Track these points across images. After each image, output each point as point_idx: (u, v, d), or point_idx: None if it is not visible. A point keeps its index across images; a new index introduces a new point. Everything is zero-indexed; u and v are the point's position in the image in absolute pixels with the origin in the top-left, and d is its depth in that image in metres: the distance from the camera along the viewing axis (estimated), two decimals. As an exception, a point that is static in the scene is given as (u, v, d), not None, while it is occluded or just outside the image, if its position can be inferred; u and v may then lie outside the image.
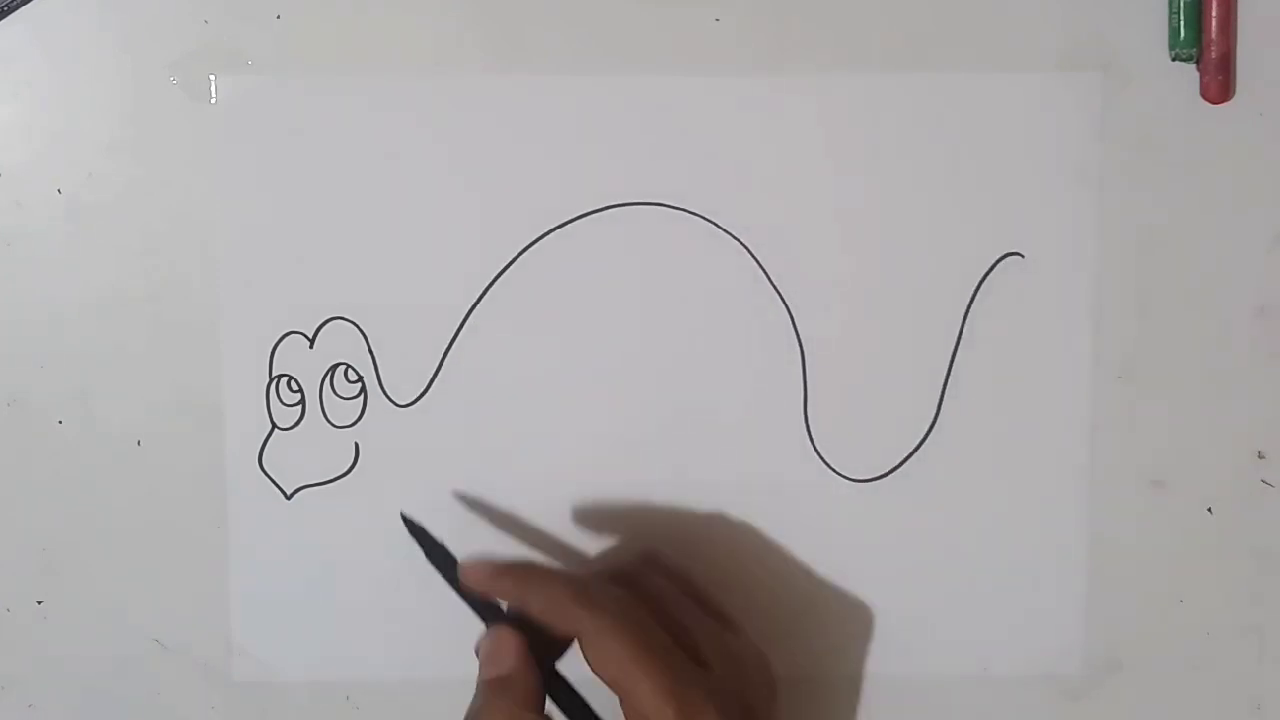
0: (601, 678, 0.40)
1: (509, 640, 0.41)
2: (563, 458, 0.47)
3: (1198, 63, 0.45)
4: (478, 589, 0.42)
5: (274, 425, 0.47)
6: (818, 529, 0.47)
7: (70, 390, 0.47)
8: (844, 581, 0.47)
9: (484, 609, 0.42)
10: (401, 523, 0.44)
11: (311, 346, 0.47)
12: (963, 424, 0.47)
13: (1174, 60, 0.45)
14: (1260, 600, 0.48)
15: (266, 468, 0.47)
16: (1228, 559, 0.47)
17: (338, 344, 0.46)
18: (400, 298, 0.46)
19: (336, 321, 0.46)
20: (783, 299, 0.46)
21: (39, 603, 0.48)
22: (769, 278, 0.46)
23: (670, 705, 0.39)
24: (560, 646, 0.42)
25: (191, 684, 0.48)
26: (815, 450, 0.47)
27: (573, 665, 0.41)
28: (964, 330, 0.46)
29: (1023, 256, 0.46)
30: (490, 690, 0.41)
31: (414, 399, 0.47)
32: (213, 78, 0.45)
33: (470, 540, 0.47)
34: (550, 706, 0.41)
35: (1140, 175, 0.46)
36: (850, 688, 0.48)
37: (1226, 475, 0.47)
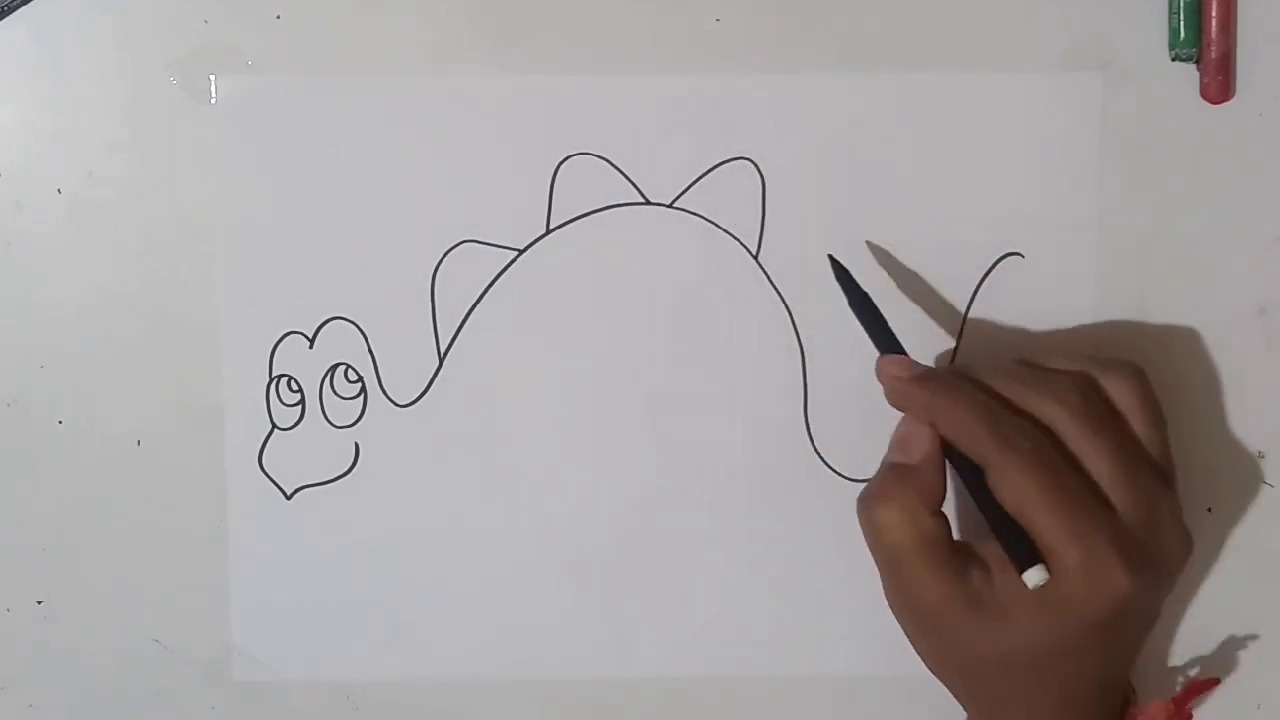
0: (1006, 506, 0.40)
1: (921, 435, 0.41)
2: (562, 457, 0.47)
3: (1198, 63, 0.45)
4: (889, 390, 0.42)
5: (274, 425, 0.47)
6: (818, 529, 0.47)
7: (70, 390, 0.47)
8: (844, 581, 0.47)
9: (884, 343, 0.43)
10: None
11: (311, 346, 0.47)
12: (963, 424, 0.46)
13: (1174, 60, 0.45)
14: (1260, 600, 0.48)
15: (266, 468, 0.47)
16: (1228, 559, 0.47)
17: (338, 344, 0.46)
18: (400, 298, 0.46)
19: (336, 321, 0.46)
20: (783, 299, 0.46)
21: (39, 603, 0.48)
22: (769, 278, 0.46)
23: (1073, 545, 0.39)
24: None
25: (191, 684, 0.48)
26: (815, 450, 0.47)
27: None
28: (964, 330, 0.46)
29: (1023, 256, 0.46)
30: (890, 474, 0.41)
31: (414, 399, 0.47)
32: (213, 78, 0.45)
33: (471, 538, 0.47)
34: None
35: (1140, 175, 0.46)
36: (850, 688, 0.48)
37: (1226, 475, 0.47)
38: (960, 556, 0.41)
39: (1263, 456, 0.47)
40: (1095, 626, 0.40)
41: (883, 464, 0.42)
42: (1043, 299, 0.46)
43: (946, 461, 0.41)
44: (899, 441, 0.42)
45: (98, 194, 0.46)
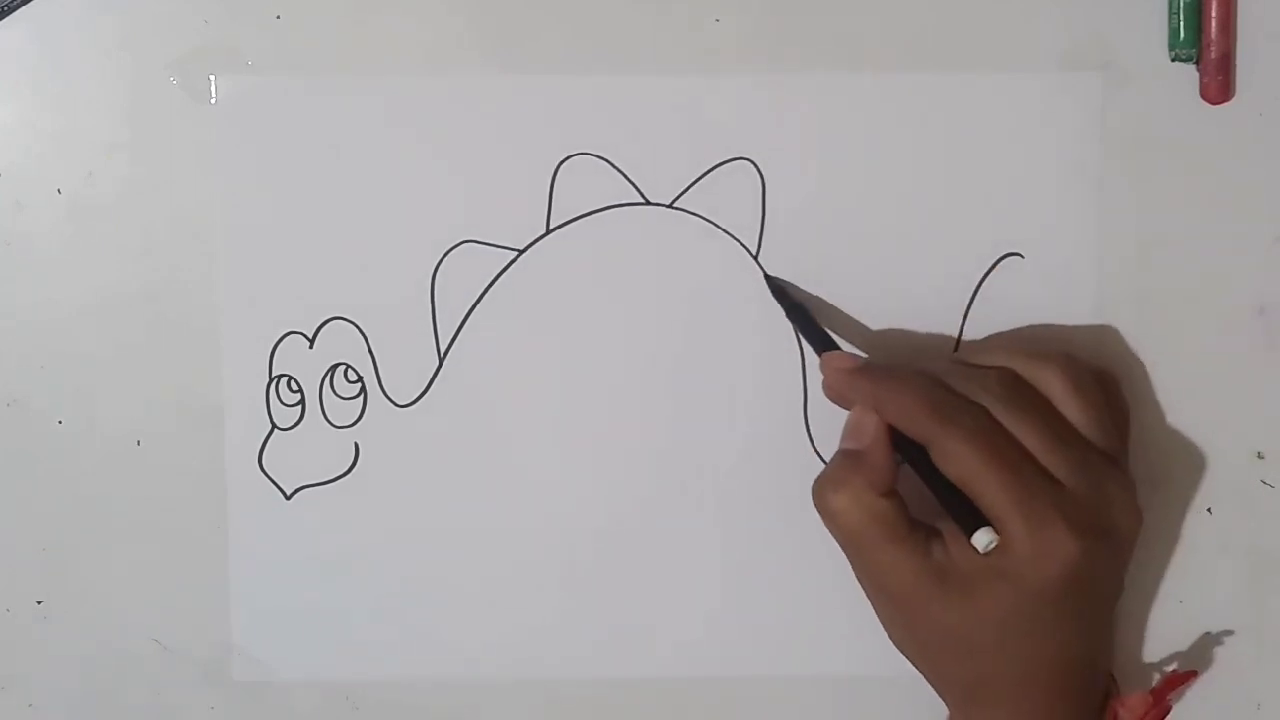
0: (953, 481, 0.41)
1: (869, 420, 0.42)
2: (562, 458, 0.47)
3: (1198, 63, 0.45)
4: (834, 383, 0.43)
5: (274, 425, 0.47)
6: (818, 529, 0.47)
7: (70, 390, 0.47)
8: (844, 581, 0.47)
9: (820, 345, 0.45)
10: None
11: (311, 346, 0.47)
12: (963, 424, 0.47)
13: (1174, 60, 0.45)
14: (1260, 600, 0.48)
15: (266, 468, 0.47)
16: (1228, 559, 0.47)
17: (338, 344, 0.46)
18: (400, 298, 0.46)
19: (336, 321, 0.46)
20: (783, 299, 0.46)
21: (39, 603, 0.48)
22: (769, 278, 0.46)
23: (1017, 513, 0.40)
24: None
25: (191, 684, 0.48)
26: (815, 450, 0.47)
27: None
28: (964, 330, 0.46)
29: (1022, 256, 0.46)
30: (840, 460, 0.42)
31: (414, 399, 0.47)
32: (213, 78, 0.45)
33: (471, 538, 0.47)
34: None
35: (1140, 175, 0.46)
36: (850, 688, 0.48)
37: (1226, 475, 0.47)
38: (919, 532, 0.42)
39: (1262, 457, 0.47)
40: (1050, 595, 0.40)
41: (835, 453, 0.43)
42: (1043, 299, 0.46)
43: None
44: (849, 429, 0.43)
45: (98, 194, 0.46)
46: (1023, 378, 0.43)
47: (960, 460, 0.40)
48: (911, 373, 0.42)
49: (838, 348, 0.45)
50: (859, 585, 0.43)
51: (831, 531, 0.43)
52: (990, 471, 0.40)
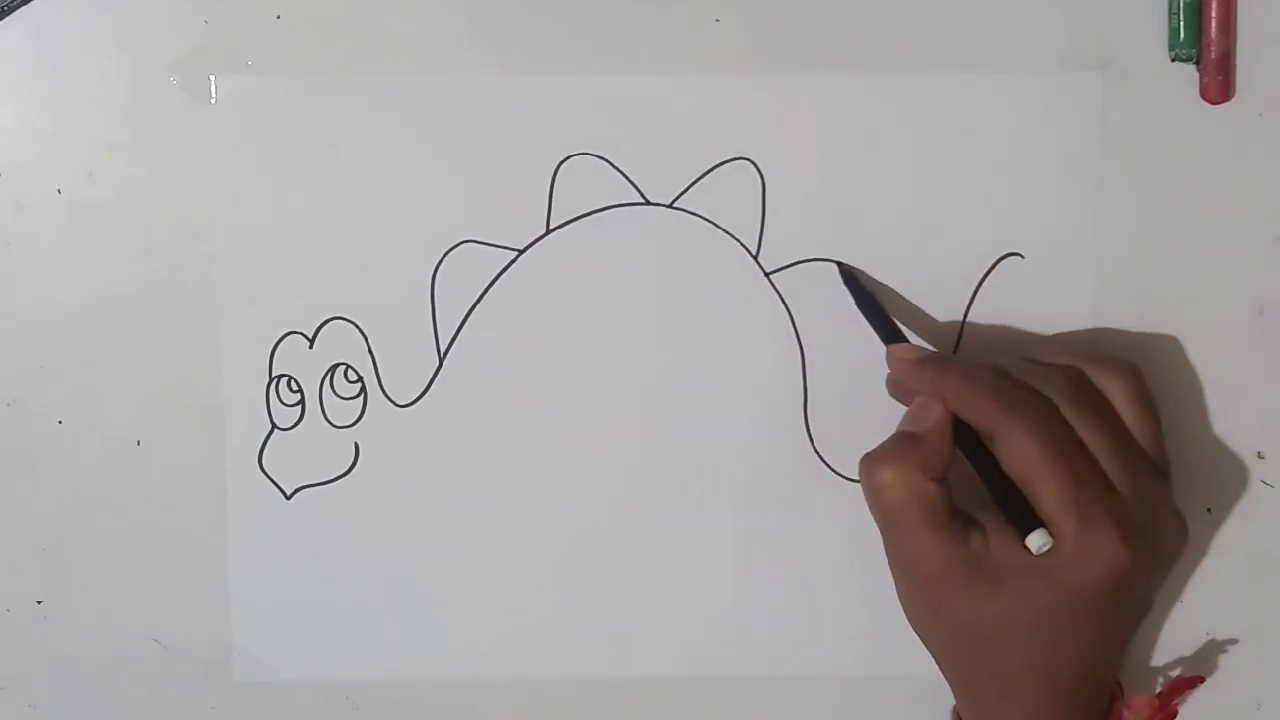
0: (1010, 475, 0.41)
1: (933, 406, 0.42)
2: (561, 458, 0.47)
3: (1198, 63, 0.45)
4: (899, 374, 0.43)
5: (274, 425, 0.47)
6: (818, 529, 0.47)
7: (70, 390, 0.47)
8: (844, 581, 0.47)
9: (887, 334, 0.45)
10: None
11: (311, 346, 0.47)
12: (963, 424, 0.47)
13: (1174, 60, 0.45)
14: (1260, 600, 0.48)
15: (266, 468, 0.47)
16: (1227, 559, 0.47)
17: (338, 344, 0.46)
18: (400, 298, 0.46)
19: (336, 321, 0.46)
20: (782, 299, 0.46)
21: (39, 603, 0.48)
22: (769, 278, 0.46)
23: (1071, 513, 0.40)
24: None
25: (191, 684, 0.48)
26: (815, 450, 0.47)
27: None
28: (964, 330, 0.46)
29: (1022, 256, 0.46)
30: (896, 439, 0.42)
31: (414, 399, 0.47)
32: (213, 78, 0.45)
33: (471, 538, 0.47)
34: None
35: (1140, 175, 0.46)
36: (850, 688, 0.48)
37: (1226, 475, 0.47)
38: (959, 520, 0.41)
39: (1262, 457, 0.47)
40: (1087, 599, 0.40)
41: (893, 433, 0.43)
42: (1043, 299, 0.46)
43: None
44: (911, 413, 0.43)
45: (98, 194, 0.46)
46: (1089, 379, 0.42)
47: (1022, 452, 0.40)
48: (979, 364, 0.42)
49: (905, 340, 0.44)
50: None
51: (872, 507, 0.42)
52: (1051, 467, 0.40)
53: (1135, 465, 0.41)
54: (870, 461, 0.42)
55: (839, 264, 0.46)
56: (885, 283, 0.46)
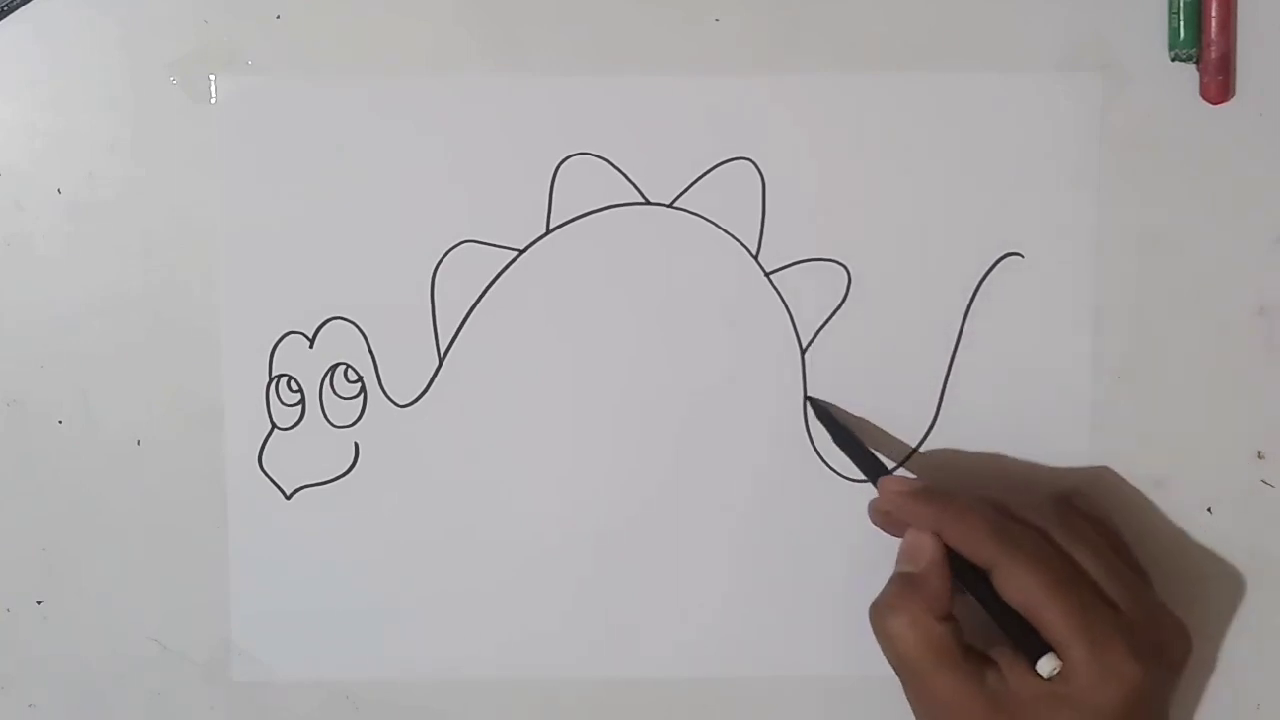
0: (1013, 606, 0.41)
1: (925, 543, 0.42)
2: (562, 458, 0.47)
3: (1198, 63, 0.45)
4: (893, 508, 0.43)
5: (274, 425, 0.47)
6: (818, 529, 0.47)
7: (70, 390, 0.47)
8: (844, 581, 0.47)
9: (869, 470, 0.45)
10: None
11: (311, 346, 0.47)
12: (962, 424, 0.47)
13: (1174, 60, 0.45)
14: (1260, 600, 0.48)
15: (266, 468, 0.47)
16: (1227, 559, 0.47)
17: (338, 344, 0.47)
18: (400, 298, 0.46)
19: (336, 321, 0.46)
20: (782, 299, 0.46)
21: (39, 603, 0.48)
22: (769, 278, 0.46)
23: (1080, 636, 0.40)
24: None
25: (191, 684, 0.48)
26: (815, 450, 0.47)
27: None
28: (964, 330, 0.46)
29: (1022, 256, 0.46)
30: (898, 584, 0.43)
31: (414, 399, 0.47)
32: (213, 78, 0.46)
33: (471, 538, 0.47)
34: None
35: (1140, 175, 0.46)
36: (849, 688, 0.48)
37: (1226, 475, 0.47)
38: (974, 659, 0.42)
39: (1262, 456, 0.47)
40: (1109, 718, 0.40)
41: (892, 575, 0.43)
42: (1043, 299, 0.46)
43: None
44: (905, 551, 0.43)
45: (98, 194, 0.46)
46: (1074, 504, 0.44)
47: (1023, 584, 0.41)
48: (971, 498, 0.43)
49: (885, 469, 0.45)
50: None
51: (887, 655, 0.43)
52: (1054, 597, 0.40)
53: (1128, 581, 0.42)
54: (879, 611, 0.43)
55: (811, 399, 0.46)
56: (885, 282, 0.46)
